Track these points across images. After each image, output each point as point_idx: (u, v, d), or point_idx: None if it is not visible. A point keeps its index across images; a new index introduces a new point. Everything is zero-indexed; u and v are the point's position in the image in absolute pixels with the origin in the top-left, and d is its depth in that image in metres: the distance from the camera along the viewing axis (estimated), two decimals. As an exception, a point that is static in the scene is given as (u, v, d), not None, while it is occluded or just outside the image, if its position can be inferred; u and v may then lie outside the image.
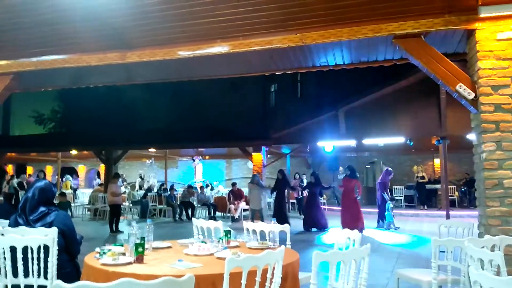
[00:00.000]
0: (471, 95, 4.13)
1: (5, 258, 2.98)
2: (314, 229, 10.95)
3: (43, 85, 7.10)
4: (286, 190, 12.26)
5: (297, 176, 16.66)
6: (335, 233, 3.58)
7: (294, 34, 4.59)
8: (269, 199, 13.61)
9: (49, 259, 3.00)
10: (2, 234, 3.14)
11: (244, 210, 14.10)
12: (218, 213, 14.68)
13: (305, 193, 12.67)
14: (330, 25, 4.45)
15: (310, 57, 5.17)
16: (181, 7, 4.52)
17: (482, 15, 4.08)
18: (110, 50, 5.25)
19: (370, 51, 4.96)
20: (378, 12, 4.30)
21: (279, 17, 4.51)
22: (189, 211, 14.22)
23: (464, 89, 4.15)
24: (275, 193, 11.81)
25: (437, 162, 18.64)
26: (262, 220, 11.24)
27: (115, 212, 10.99)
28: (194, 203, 14.61)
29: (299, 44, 4.60)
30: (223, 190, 17.97)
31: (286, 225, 3.95)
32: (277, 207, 11.58)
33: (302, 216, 11.95)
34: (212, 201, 15.09)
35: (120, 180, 16.03)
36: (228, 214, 14.12)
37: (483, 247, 2.93)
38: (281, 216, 10.77)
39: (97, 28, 4.92)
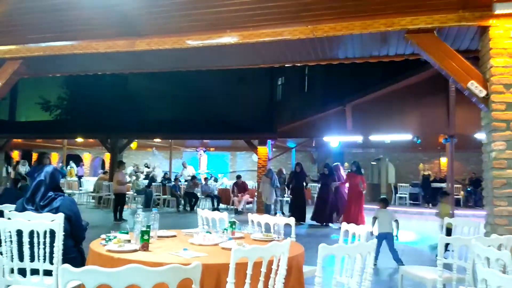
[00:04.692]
0: (483, 93, 4.08)
1: (11, 241, 3.00)
2: (332, 225, 10.73)
3: (51, 71, 7.11)
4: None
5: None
6: (342, 227, 3.56)
7: (305, 26, 4.54)
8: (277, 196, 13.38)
9: (55, 244, 3.01)
10: (9, 218, 3.15)
11: (248, 203, 14.13)
12: (221, 205, 14.71)
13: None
14: (342, 17, 4.40)
15: (321, 50, 5.12)
16: (192, -4, 4.49)
17: (496, 12, 4.02)
18: (119, 37, 5.23)
19: (381, 45, 4.91)
20: (391, 5, 4.25)
21: (290, 8, 4.47)
22: (193, 202, 14.26)
23: (476, 87, 4.09)
24: (289, 187, 11.72)
25: (443, 160, 18.55)
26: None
27: (120, 201, 11.03)
28: (198, 194, 14.65)
29: (310, 36, 4.55)
30: (227, 182, 18.00)
31: (291, 218, 3.94)
32: (296, 202, 11.45)
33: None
34: (216, 193, 15.12)
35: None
36: (232, 206, 14.14)
37: (489, 246, 2.91)
38: (299, 212, 10.71)
39: (107, 15, 4.90)
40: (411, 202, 17.01)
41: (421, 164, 18.03)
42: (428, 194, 16.55)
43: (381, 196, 7.16)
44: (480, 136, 4.40)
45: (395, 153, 19.39)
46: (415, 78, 11.52)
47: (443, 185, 16.33)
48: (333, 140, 14.32)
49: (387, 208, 6.51)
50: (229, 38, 4.90)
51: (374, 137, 13.70)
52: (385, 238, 6.22)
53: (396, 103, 11.67)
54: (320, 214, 10.91)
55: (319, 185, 11.61)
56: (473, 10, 4.12)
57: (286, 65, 6.07)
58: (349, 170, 11.10)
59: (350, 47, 5.03)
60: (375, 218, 6.43)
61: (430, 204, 16.14)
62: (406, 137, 13.45)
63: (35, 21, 5.17)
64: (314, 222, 10.96)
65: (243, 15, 4.68)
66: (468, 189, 16.99)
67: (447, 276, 3.44)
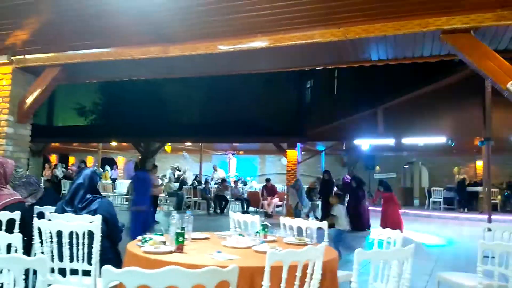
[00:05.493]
0: (523, 94, 3.93)
1: (51, 241, 3.10)
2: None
3: (88, 77, 7.32)
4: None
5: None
6: (376, 232, 3.50)
7: (336, 28, 4.50)
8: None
9: (93, 245, 3.09)
10: (49, 219, 3.27)
11: (277, 206, 14.11)
12: (251, 208, 14.75)
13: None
14: (375, 19, 4.33)
15: (353, 52, 5.06)
16: (223, 1, 4.53)
17: (537, 10, 3.87)
18: (152, 44, 5.34)
19: (415, 46, 4.80)
20: (425, 6, 4.15)
21: (321, 11, 4.43)
22: (223, 205, 14.37)
23: (516, 88, 3.95)
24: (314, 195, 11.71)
25: (479, 164, 17.94)
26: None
27: (153, 203, 11.23)
28: (228, 197, 14.75)
29: (342, 39, 4.50)
30: (256, 185, 18.04)
31: (324, 222, 3.91)
32: (325, 209, 11.29)
33: None
34: (245, 196, 15.20)
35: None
36: (261, 210, 14.16)
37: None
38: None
39: (140, 22, 5.01)
40: (446, 206, 16.51)
41: (455, 168, 17.48)
42: (464, 198, 16.01)
43: (337, 191, 6.96)
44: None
45: (428, 157, 18.89)
46: (449, 80, 11.24)
47: (479, 189, 15.78)
48: (364, 143, 14.12)
49: (339, 204, 6.32)
50: (260, 43, 4.91)
51: (407, 140, 13.41)
52: (342, 235, 6.09)
53: (429, 105, 11.41)
54: (358, 223, 10.63)
55: (347, 197, 11.28)
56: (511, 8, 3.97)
57: (317, 68, 6.03)
58: (378, 189, 10.85)
59: (382, 49, 4.94)
60: (333, 216, 6.14)
61: (466, 209, 15.62)
62: (440, 140, 13.11)
63: (74, 29, 5.33)
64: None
65: (274, 19, 4.67)
66: (506, 193, 16.36)
67: (488, 283, 3.32)
